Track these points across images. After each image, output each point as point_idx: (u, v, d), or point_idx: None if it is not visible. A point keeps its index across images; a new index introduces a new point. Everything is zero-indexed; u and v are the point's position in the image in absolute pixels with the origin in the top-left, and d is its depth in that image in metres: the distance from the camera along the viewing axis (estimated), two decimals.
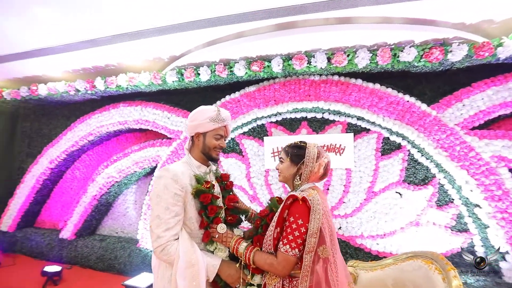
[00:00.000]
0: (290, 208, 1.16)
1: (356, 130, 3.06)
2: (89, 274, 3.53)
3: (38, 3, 2.31)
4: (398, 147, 2.93)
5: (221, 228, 1.27)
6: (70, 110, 4.40)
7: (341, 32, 2.42)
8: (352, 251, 2.98)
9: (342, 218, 3.05)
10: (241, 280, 1.25)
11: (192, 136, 1.42)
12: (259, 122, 3.37)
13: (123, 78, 3.37)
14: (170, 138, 3.62)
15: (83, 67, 3.59)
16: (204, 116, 1.37)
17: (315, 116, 3.19)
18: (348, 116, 3.04)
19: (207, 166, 1.45)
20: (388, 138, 2.95)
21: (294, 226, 1.12)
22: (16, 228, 4.30)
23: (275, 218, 1.21)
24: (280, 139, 3.28)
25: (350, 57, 2.58)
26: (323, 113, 3.13)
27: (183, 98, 3.75)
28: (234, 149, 3.51)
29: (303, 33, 2.46)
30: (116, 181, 3.81)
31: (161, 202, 1.23)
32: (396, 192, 2.92)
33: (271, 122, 3.35)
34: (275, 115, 3.27)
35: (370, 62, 2.57)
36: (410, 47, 2.49)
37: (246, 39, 2.65)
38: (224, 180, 1.50)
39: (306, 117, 3.22)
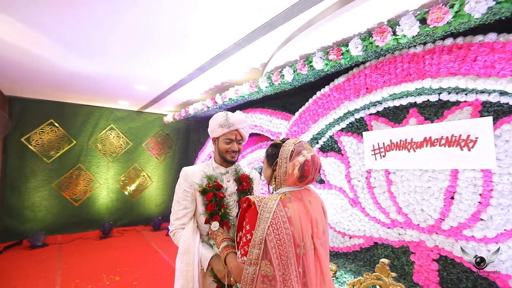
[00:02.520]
0: (246, 212, 1.10)
1: (498, 112, 2.02)
2: None
3: (181, 44, 2.99)
4: None
5: (214, 225, 1.35)
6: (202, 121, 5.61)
7: None
8: None
9: (478, 243, 2.11)
10: (228, 278, 1.26)
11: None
12: (357, 116, 2.93)
13: (231, 92, 3.94)
14: (273, 140, 3.84)
15: (210, 88, 4.52)
16: (215, 123, 1.50)
17: (427, 100, 2.39)
18: (482, 93, 2.06)
19: (226, 167, 1.54)
20: None
21: (244, 231, 1.06)
22: None
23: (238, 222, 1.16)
24: (382, 134, 2.71)
25: (457, 6, 1.76)
26: (439, 93, 2.29)
27: (287, 101, 3.88)
28: (332, 147, 3.24)
29: None
30: None
31: (176, 196, 1.49)
32: None
33: (371, 114, 2.83)
34: (374, 105, 2.74)
35: (498, 3, 1.64)
36: None
37: (317, 26, 2.42)
38: (242, 181, 1.54)
39: (415, 102, 2.48)
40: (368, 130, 2.85)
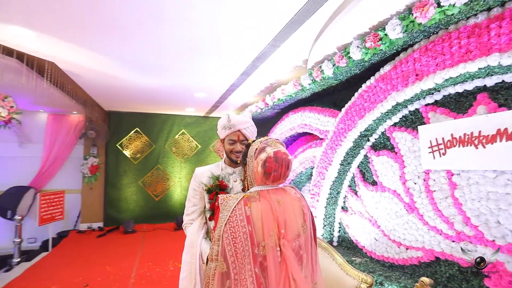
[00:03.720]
0: (217, 210, 1.11)
1: None
2: None
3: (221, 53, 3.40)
4: None
5: (212, 223, 1.40)
6: (268, 124, 5.71)
7: None
8: None
9: None
10: None
11: None
12: (410, 108, 2.53)
13: (279, 92, 3.93)
14: (322, 139, 3.65)
15: (261, 89, 4.61)
16: (219, 125, 1.59)
17: (501, 81, 1.88)
18: None
19: (234, 168, 1.60)
20: None
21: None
22: None
23: None
24: (441, 127, 2.25)
25: None
26: None
27: (338, 97, 3.64)
28: (385, 145, 2.87)
29: None
30: (291, 180, 4.43)
31: (188, 194, 1.63)
32: None
33: (427, 104, 2.40)
34: (431, 93, 2.31)
35: None
36: None
37: (349, 10, 2.19)
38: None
39: (485, 86, 1.98)
40: (424, 124, 2.42)
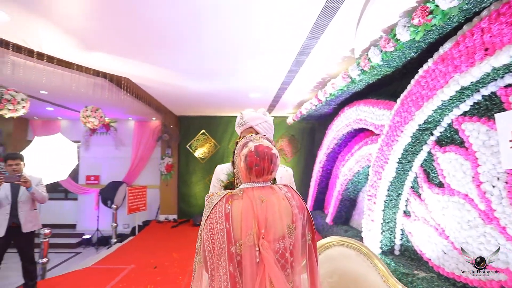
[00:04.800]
0: None
1: None
2: None
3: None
4: None
5: None
6: (326, 121, 5.43)
7: None
8: None
9: None
10: None
11: None
12: (484, 92, 2.03)
13: (329, 86, 3.70)
14: (377, 135, 3.27)
15: (314, 85, 4.43)
16: (236, 123, 1.62)
17: None
18: None
19: None
20: None
21: None
22: (313, 209, 6.05)
23: None
24: None
25: None
26: None
27: (397, 87, 3.20)
28: (452, 139, 2.38)
29: None
30: (349, 179, 4.10)
31: (209, 190, 1.69)
32: None
33: (507, 86, 1.88)
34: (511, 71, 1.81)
35: None
36: None
37: None
38: None
39: None
40: (504, 110, 1.90)
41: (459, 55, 1.95)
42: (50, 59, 3.15)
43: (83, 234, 6.45)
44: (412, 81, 2.51)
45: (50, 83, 3.81)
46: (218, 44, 2.92)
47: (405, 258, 2.95)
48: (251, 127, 1.52)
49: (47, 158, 3.61)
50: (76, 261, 5.30)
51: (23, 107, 3.29)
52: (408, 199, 2.95)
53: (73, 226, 6.97)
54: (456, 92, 2.06)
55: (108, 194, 6.53)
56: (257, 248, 0.96)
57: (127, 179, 6.89)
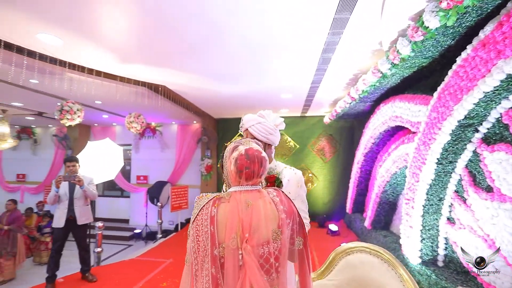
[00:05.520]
0: None
1: None
2: None
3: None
4: None
5: None
6: (364, 119, 5.11)
7: None
8: None
9: None
10: None
11: None
12: None
13: (360, 83, 3.49)
14: (414, 133, 2.97)
15: (346, 82, 4.22)
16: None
17: None
18: None
19: None
20: None
21: None
22: (352, 211, 5.75)
23: None
24: None
25: None
26: None
27: (438, 79, 2.88)
28: (502, 136, 2.06)
29: None
30: (387, 181, 3.80)
31: None
32: None
33: None
34: None
35: None
36: None
37: None
38: (267, 181, 1.52)
39: None
40: None
41: (503, 38, 1.68)
42: (98, 73, 3.57)
43: (134, 229, 7.14)
44: (450, 72, 2.24)
45: (101, 94, 4.32)
46: (241, 47, 2.98)
47: (449, 270, 2.64)
48: (247, 129, 1.52)
49: (98, 161, 4.09)
50: (127, 253, 5.89)
51: (79, 116, 3.79)
52: (452, 204, 2.63)
53: (126, 221, 7.76)
54: (501, 81, 1.78)
55: (154, 193, 7.11)
56: (240, 252, 0.96)
57: (171, 179, 7.41)
